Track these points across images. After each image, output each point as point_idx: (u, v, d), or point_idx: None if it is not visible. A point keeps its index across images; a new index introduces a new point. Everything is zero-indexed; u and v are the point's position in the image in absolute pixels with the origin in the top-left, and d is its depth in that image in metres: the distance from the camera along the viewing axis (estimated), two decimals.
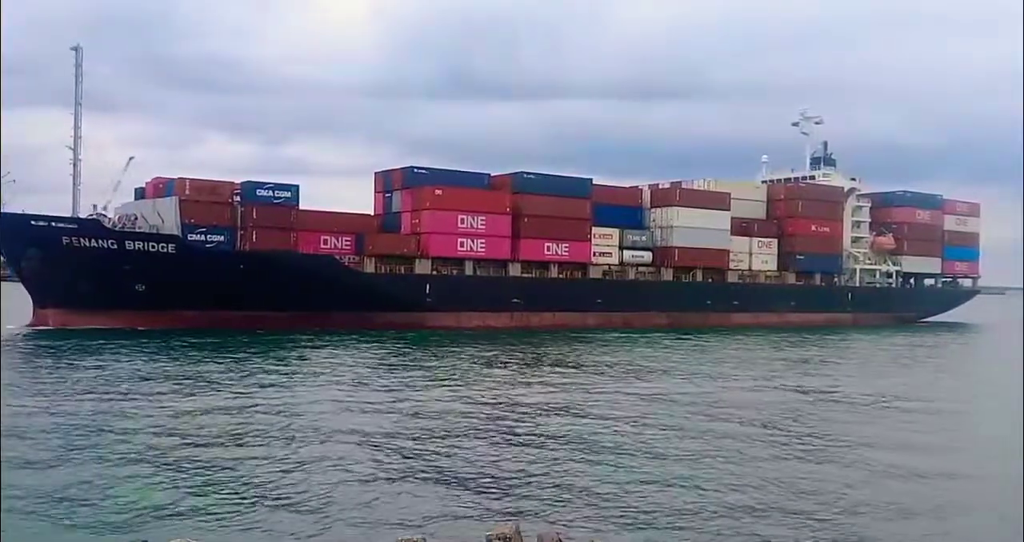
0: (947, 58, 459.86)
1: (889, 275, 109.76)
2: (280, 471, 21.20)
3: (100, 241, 63.61)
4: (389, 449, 24.16)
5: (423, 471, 21.59)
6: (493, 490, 19.93)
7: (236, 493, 19.17)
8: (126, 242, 63.85)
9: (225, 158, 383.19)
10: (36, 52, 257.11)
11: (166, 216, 65.85)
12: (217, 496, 18.81)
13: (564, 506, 18.79)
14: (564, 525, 17.10)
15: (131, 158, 71.50)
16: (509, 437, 26.44)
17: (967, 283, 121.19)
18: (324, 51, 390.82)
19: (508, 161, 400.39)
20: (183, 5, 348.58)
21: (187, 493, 19.02)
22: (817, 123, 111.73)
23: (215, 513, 17.63)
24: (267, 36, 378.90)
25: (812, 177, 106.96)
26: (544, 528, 16.04)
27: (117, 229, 65.59)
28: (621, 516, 18.13)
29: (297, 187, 69.75)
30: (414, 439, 25.71)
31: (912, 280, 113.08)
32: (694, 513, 18.55)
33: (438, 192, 75.01)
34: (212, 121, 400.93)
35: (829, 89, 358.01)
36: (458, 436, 26.34)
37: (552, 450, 24.53)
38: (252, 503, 18.48)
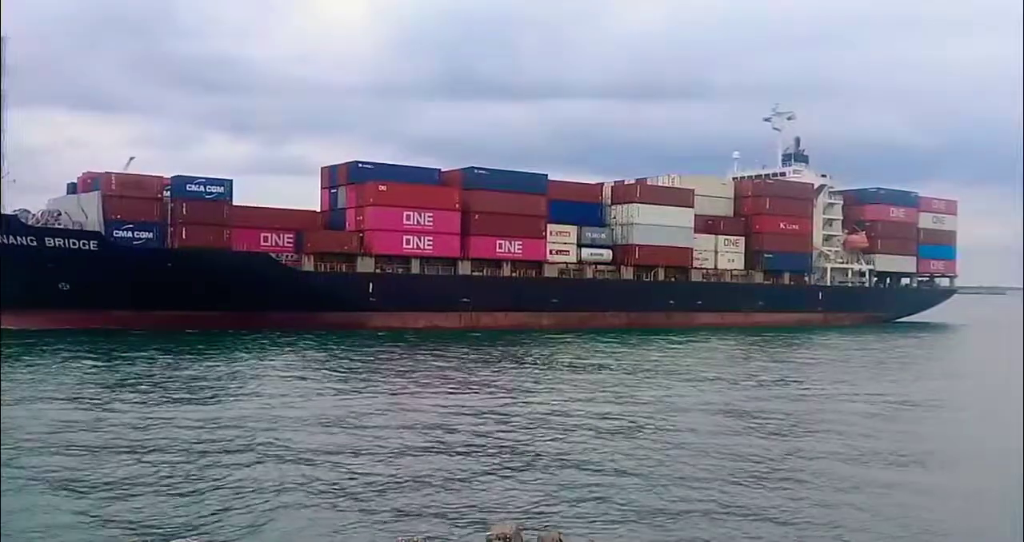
0: (947, 58, 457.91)
1: (862, 274, 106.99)
2: (269, 476, 20.64)
3: (19, 238, 60.79)
4: (376, 453, 23.45)
5: (420, 473, 21.22)
6: (492, 491, 19.82)
7: (231, 497, 18.78)
8: (46, 239, 61.06)
9: (226, 158, 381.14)
10: (36, 52, 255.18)
11: (90, 212, 63.14)
12: (211, 502, 18.42)
13: (564, 506, 18.69)
14: (564, 525, 16.95)
15: (131, 158, 68.80)
16: (499, 440, 25.76)
17: (944, 282, 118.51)
18: (324, 51, 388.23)
19: (508, 160, 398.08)
20: (184, 5, 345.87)
21: (183, 501, 18.53)
22: (789, 118, 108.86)
23: (217, 518, 17.38)
24: (267, 36, 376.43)
25: (783, 174, 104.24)
26: (544, 528, 15.95)
27: (39, 226, 62.78)
28: (621, 517, 18.03)
29: (231, 182, 66.98)
30: (402, 441, 25.04)
31: (888, 279, 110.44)
32: (694, 514, 18.42)
33: (382, 188, 72.27)
34: (212, 121, 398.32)
35: (828, 89, 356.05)
36: (445, 439, 25.59)
37: (547, 452, 24.05)
38: (249, 506, 18.19)
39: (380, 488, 19.84)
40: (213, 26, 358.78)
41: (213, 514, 17.58)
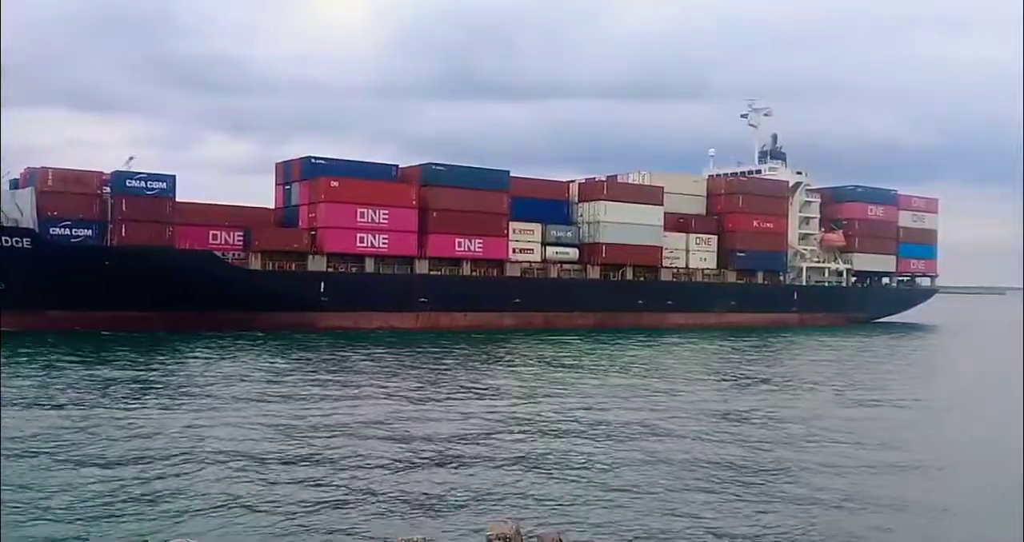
0: (947, 58, 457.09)
1: (839, 273, 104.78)
2: (272, 478, 20.64)
3: None
4: (374, 455, 23.23)
5: (420, 475, 21.28)
6: (491, 491, 19.80)
7: (231, 501, 18.69)
8: None
9: (227, 158, 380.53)
10: (37, 52, 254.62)
11: (24, 208, 60.92)
12: (214, 505, 18.35)
13: (564, 506, 18.79)
14: (564, 525, 17.05)
15: (131, 158, 66.94)
16: (497, 441, 25.66)
17: (925, 282, 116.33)
18: (324, 51, 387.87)
19: (509, 160, 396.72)
20: (183, 5, 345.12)
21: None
22: (766, 115, 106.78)
23: (213, 518, 17.39)
24: (267, 36, 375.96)
25: (758, 171, 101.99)
26: (544, 528, 16.04)
27: None
28: (622, 518, 18.11)
29: (173, 177, 64.62)
30: (398, 443, 24.91)
31: (870, 279, 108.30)
32: (695, 513, 18.53)
33: (334, 184, 70.05)
34: (212, 121, 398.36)
35: (828, 89, 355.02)
36: (442, 442, 25.37)
37: (546, 453, 24.03)
38: (248, 509, 18.11)
39: (379, 489, 19.84)
40: (213, 26, 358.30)
41: (214, 516, 17.49)
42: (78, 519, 17.26)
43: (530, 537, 14.31)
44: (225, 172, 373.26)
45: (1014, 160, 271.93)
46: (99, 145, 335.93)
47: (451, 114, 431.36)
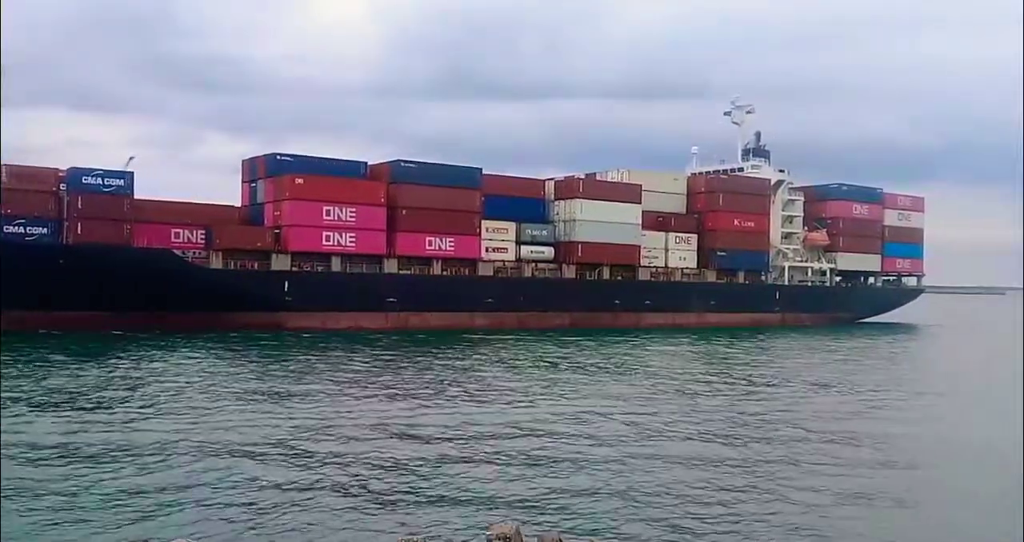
0: (947, 58, 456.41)
1: (823, 273, 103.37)
2: (269, 480, 20.34)
3: None
4: (374, 456, 23.03)
5: (419, 476, 21.02)
6: (492, 492, 19.66)
7: (233, 500, 18.69)
8: None
9: (227, 158, 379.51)
10: (37, 52, 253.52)
11: None
12: (213, 506, 18.21)
13: (564, 507, 18.69)
14: (564, 525, 17.02)
15: (131, 157, 66.07)
16: (497, 443, 25.33)
17: (911, 282, 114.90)
18: (324, 51, 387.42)
19: (509, 160, 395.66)
20: (183, 5, 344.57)
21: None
22: (749, 112, 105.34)
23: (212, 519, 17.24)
24: (267, 36, 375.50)
25: (741, 169, 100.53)
26: (544, 528, 16.06)
27: None
28: (621, 517, 18.03)
29: (132, 174, 63.17)
30: (399, 445, 24.68)
31: (854, 278, 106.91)
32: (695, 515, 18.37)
33: (299, 181, 68.57)
34: (212, 121, 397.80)
35: (828, 89, 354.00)
36: (443, 443, 25.09)
37: (546, 455, 23.80)
38: (249, 509, 18.03)
39: (378, 490, 19.65)
40: (213, 26, 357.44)
41: (215, 517, 17.36)
42: (75, 522, 16.88)
43: (530, 537, 14.12)
44: (228, 172, 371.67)
45: (1014, 160, 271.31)
46: (99, 145, 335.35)
47: (451, 114, 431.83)
